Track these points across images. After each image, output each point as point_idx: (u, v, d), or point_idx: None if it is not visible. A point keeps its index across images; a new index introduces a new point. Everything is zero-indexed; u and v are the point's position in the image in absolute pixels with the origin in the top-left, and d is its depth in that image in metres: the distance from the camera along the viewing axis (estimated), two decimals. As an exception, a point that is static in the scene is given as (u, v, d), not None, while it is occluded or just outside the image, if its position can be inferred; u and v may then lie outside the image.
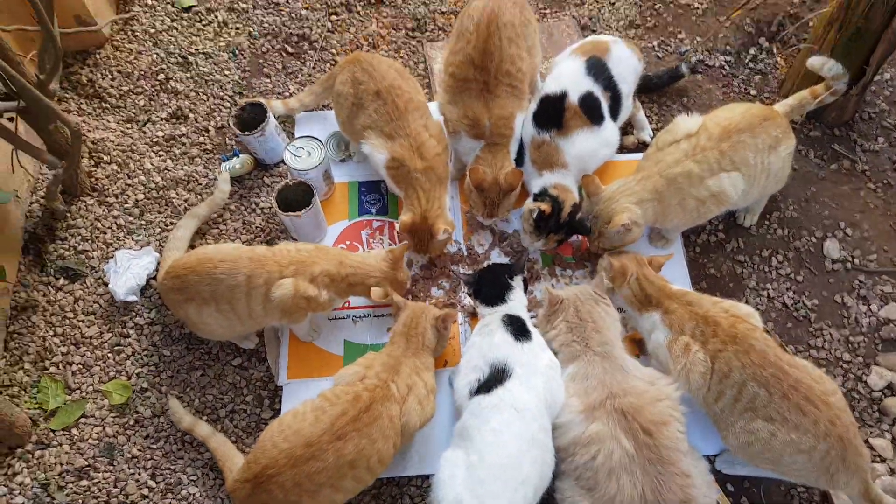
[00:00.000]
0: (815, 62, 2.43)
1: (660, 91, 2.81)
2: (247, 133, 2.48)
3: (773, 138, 2.19)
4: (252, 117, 2.54)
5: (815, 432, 1.73)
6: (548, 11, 3.09)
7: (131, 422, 2.17)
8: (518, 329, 1.95)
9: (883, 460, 2.05)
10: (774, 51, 2.94)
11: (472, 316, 2.29)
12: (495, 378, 1.84)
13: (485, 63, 2.24)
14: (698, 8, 3.06)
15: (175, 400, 2.15)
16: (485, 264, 2.38)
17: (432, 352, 2.02)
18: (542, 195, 2.24)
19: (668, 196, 2.14)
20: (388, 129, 2.29)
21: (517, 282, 2.11)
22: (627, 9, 3.07)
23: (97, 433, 2.15)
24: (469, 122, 2.28)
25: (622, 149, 2.60)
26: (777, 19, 2.98)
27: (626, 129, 2.67)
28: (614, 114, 2.37)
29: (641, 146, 2.64)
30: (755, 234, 2.48)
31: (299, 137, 2.44)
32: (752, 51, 2.95)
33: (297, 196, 2.36)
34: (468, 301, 2.31)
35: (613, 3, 3.10)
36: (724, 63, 2.91)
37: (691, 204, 2.16)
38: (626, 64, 2.40)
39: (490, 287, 2.08)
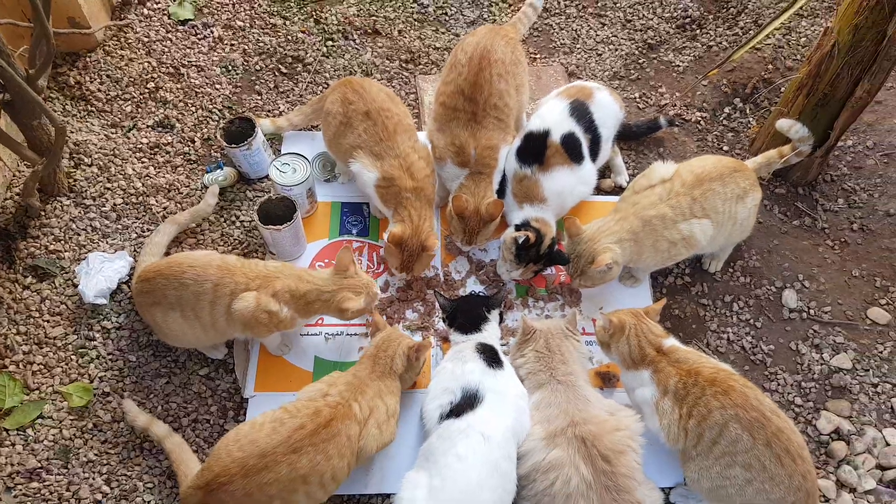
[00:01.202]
0: (783, 124, 2.57)
1: (638, 140, 2.92)
2: (233, 145, 2.51)
3: (742, 189, 2.30)
4: (240, 131, 2.57)
5: (788, 485, 1.78)
6: (538, 56, 3.21)
7: (90, 425, 2.13)
8: (491, 357, 1.99)
9: (827, 500, 2.11)
10: (748, 111, 3.09)
11: (445, 340, 2.32)
12: (466, 403, 1.87)
13: (474, 95, 2.32)
14: (679, 66, 3.21)
15: (128, 401, 2.12)
16: (460, 291, 2.42)
17: (399, 377, 2.03)
18: (524, 226, 2.30)
19: (644, 237, 2.22)
20: (377, 148, 2.34)
21: (493, 315, 2.15)
22: (613, 60, 3.21)
23: (53, 435, 2.11)
24: (455, 150, 2.34)
25: (599, 191, 2.70)
26: (752, 82, 3.14)
27: (604, 172, 2.77)
28: (593, 155, 2.46)
29: (617, 190, 2.74)
30: (719, 280, 2.58)
31: (286, 153, 2.48)
32: (726, 110, 3.09)
33: (279, 211, 2.38)
34: (441, 325, 2.34)
35: (601, 54, 3.23)
36: (700, 119, 3.05)
37: (664, 245, 2.25)
38: (608, 110, 2.50)
39: (466, 316, 2.12)
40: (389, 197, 2.34)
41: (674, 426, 1.90)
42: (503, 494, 1.80)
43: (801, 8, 3.37)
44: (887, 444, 2.22)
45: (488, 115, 2.34)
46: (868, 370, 2.39)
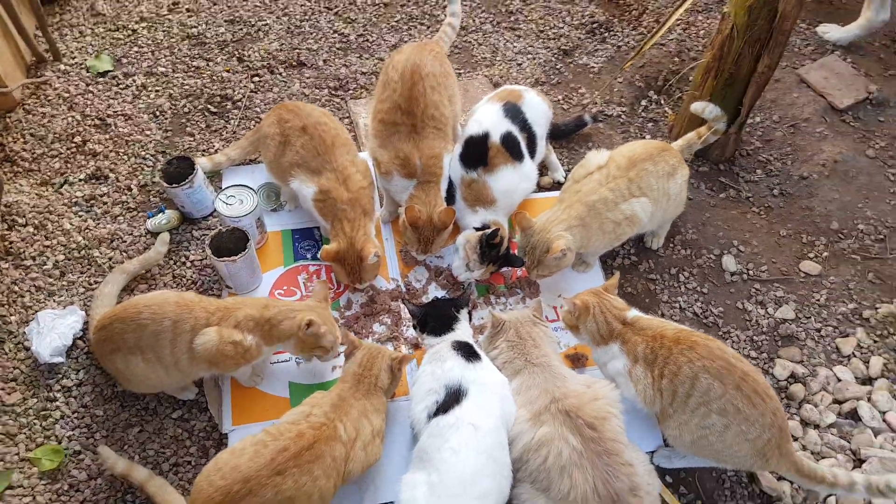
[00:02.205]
0: (697, 107, 2.76)
1: (568, 138, 3.07)
2: (175, 185, 2.49)
3: (671, 166, 2.46)
4: (178, 171, 2.55)
5: (762, 423, 1.89)
6: (462, 71, 3.33)
7: (65, 487, 2.05)
8: (468, 352, 2.03)
9: (795, 439, 2.25)
10: (662, 102, 3.30)
11: (416, 347, 2.35)
12: (452, 399, 1.90)
13: (411, 108, 2.40)
14: (594, 67, 3.40)
15: (105, 447, 2.04)
16: (423, 298, 2.47)
17: (384, 393, 2.04)
18: (482, 228, 2.38)
19: (590, 221, 2.34)
20: (314, 163, 2.38)
21: (463, 314, 2.21)
22: (533, 69, 3.37)
23: (27, 503, 2.01)
24: (400, 162, 2.41)
25: (540, 188, 2.82)
26: (662, 75, 3.36)
27: (542, 171, 2.89)
28: (531, 153, 2.58)
29: (556, 186, 2.86)
30: (663, 255, 2.72)
31: (230, 186, 2.48)
32: (643, 102, 3.29)
33: (230, 243, 2.37)
34: (410, 334, 2.38)
35: (520, 64, 3.39)
36: (620, 113, 3.23)
37: (609, 227, 2.37)
38: (539, 110, 2.63)
39: (436, 319, 2.16)
40: (327, 210, 2.38)
41: (648, 389, 1.99)
42: (501, 480, 1.83)
43: (696, 3, 3.66)
44: (839, 380, 2.39)
45: (427, 126, 2.42)
46: (810, 317, 2.57)
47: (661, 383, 1.97)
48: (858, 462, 2.22)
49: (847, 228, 2.86)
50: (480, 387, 1.93)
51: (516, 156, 2.48)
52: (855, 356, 2.47)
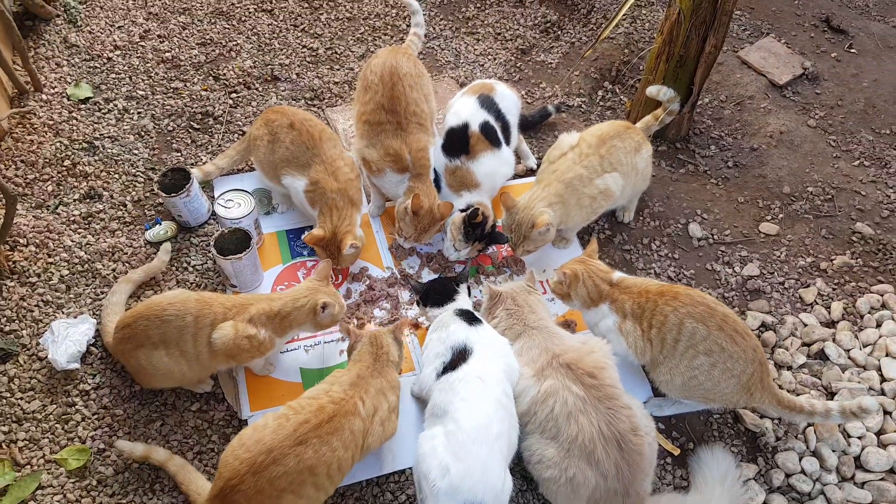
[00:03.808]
0: (652, 90, 2.99)
1: (535, 128, 3.28)
2: (173, 195, 2.60)
3: (636, 143, 2.68)
4: (173, 182, 2.66)
5: (745, 358, 2.09)
6: (430, 74, 3.51)
7: (94, 483, 2.12)
8: (470, 317, 2.19)
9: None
10: (617, 91, 3.53)
11: (415, 327, 2.49)
12: (459, 357, 2.06)
13: (394, 107, 2.56)
14: (552, 63, 3.63)
15: (121, 440, 2.13)
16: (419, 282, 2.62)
17: (395, 367, 2.16)
18: (468, 209, 2.54)
19: (568, 197, 2.53)
20: (304, 157, 2.54)
21: (462, 288, 2.36)
22: (495, 68, 3.57)
23: (58, 501, 2.08)
24: (392, 158, 2.56)
25: (515, 176, 3.00)
26: (615, 66, 3.60)
27: (515, 160, 3.08)
28: (507, 140, 2.77)
29: (529, 172, 3.06)
30: (634, 228, 2.93)
31: (226, 191, 2.60)
32: (600, 93, 3.52)
33: (232, 244, 2.49)
34: (411, 314, 2.52)
35: (483, 65, 3.59)
36: (580, 103, 3.45)
37: (586, 201, 2.56)
38: (510, 100, 2.84)
39: (438, 292, 2.31)
40: (316, 199, 2.53)
41: (639, 341, 2.17)
42: (510, 427, 1.99)
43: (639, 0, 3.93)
44: (805, 325, 2.61)
45: (411, 122, 2.59)
46: (773, 272, 2.81)
47: (650, 333, 2.16)
48: (830, 395, 2.44)
49: (798, 192, 3.12)
50: (484, 346, 2.09)
51: (495, 142, 2.67)
52: (817, 303, 2.71)
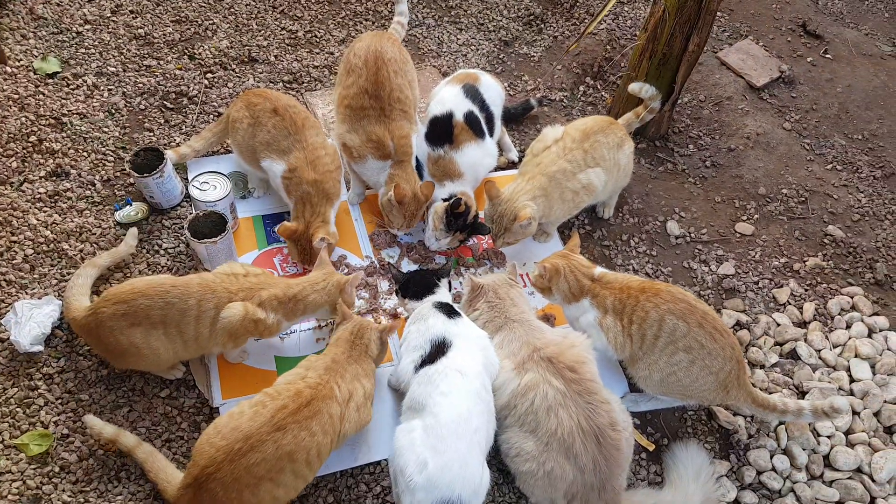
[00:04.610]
0: (634, 87, 2.99)
1: (517, 121, 3.26)
2: (146, 175, 2.52)
3: (619, 138, 2.67)
4: (146, 163, 2.58)
5: (723, 356, 2.10)
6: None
7: (56, 469, 2.04)
8: (449, 310, 2.16)
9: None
10: (598, 86, 3.53)
11: (394, 317, 2.46)
12: (438, 351, 2.03)
13: (378, 92, 2.51)
14: (534, 56, 3.61)
15: (90, 416, 2.06)
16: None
17: (374, 360, 2.14)
18: (450, 199, 2.51)
19: (551, 190, 2.51)
20: (285, 143, 2.48)
21: (443, 282, 2.33)
22: (478, 59, 3.54)
23: (17, 487, 1.99)
24: (374, 145, 2.51)
25: (497, 168, 2.98)
26: (597, 62, 3.60)
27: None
28: (490, 131, 2.74)
29: (511, 165, 3.04)
30: (614, 224, 2.94)
31: (202, 173, 2.53)
32: (581, 88, 3.52)
33: (206, 228, 2.42)
34: (389, 305, 2.48)
35: (465, 55, 3.56)
36: (562, 97, 3.44)
37: (569, 196, 2.55)
38: (495, 91, 2.81)
39: (418, 285, 2.28)
40: (292, 188, 2.48)
41: (619, 336, 2.17)
42: (488, 421, 1.97)
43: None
44: (778, 325, 2.65)
45: (395, 109, 2.54)
46: (748, 272, 2.84)
47: (630, 329, 2.16)
48: (801, 395, 2.47)
49: (773, 193, 3.16)
50: (463, 339, 2.07)
51: (478, 133, 2.64)
52: (790, 304, 2.75)
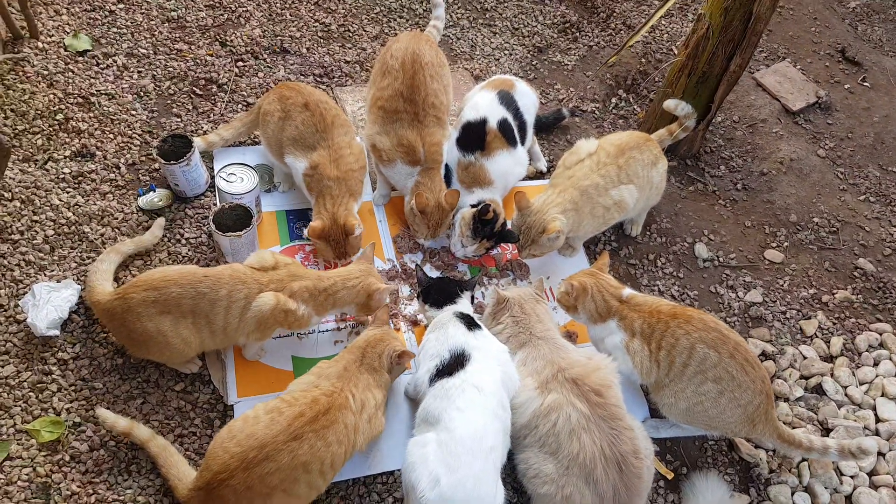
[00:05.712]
0: (670, 104, 2.93)
1: (548, 130, 3.21)
2: (173, 162, 2.48)
3: (654, 156, 2.62)
4: (173, 149, 2.54)
5: (753, 389, 2.04)
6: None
7: (66, 458, 2.01)
8: (469, 322, 2.12)
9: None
10: (631, 100, 3.48)
11: (414, 324, 2.42)
12: (456, 362, 1.99)
13: (413, 96, 2.46)
14: (568, 65, 3.56)
15: (102, 409, 2.03)
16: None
17: (385, 372, 2.08)
18: (478, 205, 2.46)
19: (582, 204, 2.46)
20: (311, 139, 2.44)
21: (465, 294, 2.29)
22: (511, 64, 3.49)
23: (27, 474, 1.96)
24: (404, 150, 2.47)
25: (525, 178, 2.93)
26: (631, 75, 3.54)
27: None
28: (522, 140, 2.69)
29: (539, 175, 2.99)
30: (641, 242, 2.89)
31: (229, 164, 2.49)
32: (613, 100, 3.46)
33: (230, 221, 2.38)
34: (409, 311, 2.44)
35: (498, 59, 3.51)
36: (594, 109, 3.39)
37: (599, 211, 2.50)
38: (529, 99, 2.76)
39: (440, 293, 2.24)
40: (313, 185, 2.43)
41: (646, 361, 2.12)
42: (503, 438, 1.93)
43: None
44: (805, 358, 2.59)
45: (428, 115, 2.49)
46: (776, 301, 2.78)
47: (658, 355, 2.10)
48: (825, 431, 2.42)
49: (804, 221, 3.10)
50: (482, 352, 2.02)
51: (511, 141, 2.59)
52: (817, 336, 2.69)
